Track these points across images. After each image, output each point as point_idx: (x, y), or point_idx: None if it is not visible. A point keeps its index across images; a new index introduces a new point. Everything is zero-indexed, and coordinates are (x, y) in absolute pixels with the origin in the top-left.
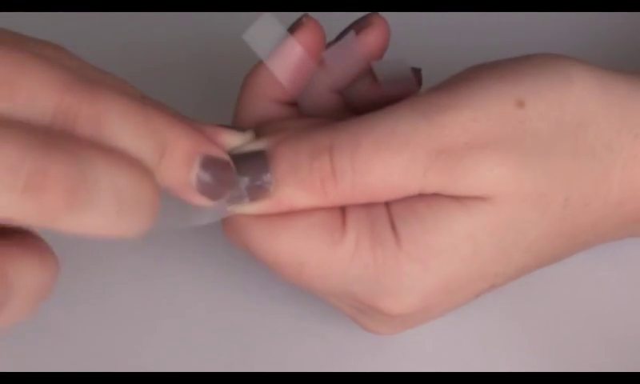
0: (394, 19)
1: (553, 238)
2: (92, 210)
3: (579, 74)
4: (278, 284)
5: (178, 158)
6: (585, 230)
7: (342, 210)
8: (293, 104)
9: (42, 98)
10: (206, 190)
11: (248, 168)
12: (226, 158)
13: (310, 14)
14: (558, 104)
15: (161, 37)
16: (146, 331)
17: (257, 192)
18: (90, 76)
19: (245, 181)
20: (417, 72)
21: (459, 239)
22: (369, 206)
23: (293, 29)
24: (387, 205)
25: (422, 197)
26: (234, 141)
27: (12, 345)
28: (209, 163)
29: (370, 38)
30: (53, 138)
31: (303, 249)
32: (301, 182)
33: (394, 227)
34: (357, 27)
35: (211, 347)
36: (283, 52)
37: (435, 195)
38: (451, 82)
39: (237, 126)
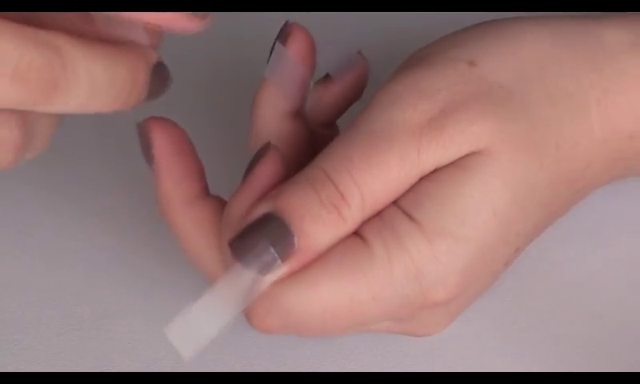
0: (394, 19)
1: (556, 184)
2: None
3: (529, 24)
4: None
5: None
6: (581, 173)
7: (355, 231)
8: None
9: None
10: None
11: (271, 235)
12: None
13: (313, 13)
14: (511, 55)
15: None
16: (144, 330)
17: (285, 250)
18: None
19: (273, 248)
20: (360, 54)
21: (475, 200)
22: (379, 212)
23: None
24: (396, 203)
25: (423, 179)
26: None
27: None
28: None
29: (296, 45)
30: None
31: (344, 284)
32: (318, 218)
33: (411, 218)
34: (281, 40)
35: (210, 347)
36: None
37: (435, 171)
38: (403, 68)
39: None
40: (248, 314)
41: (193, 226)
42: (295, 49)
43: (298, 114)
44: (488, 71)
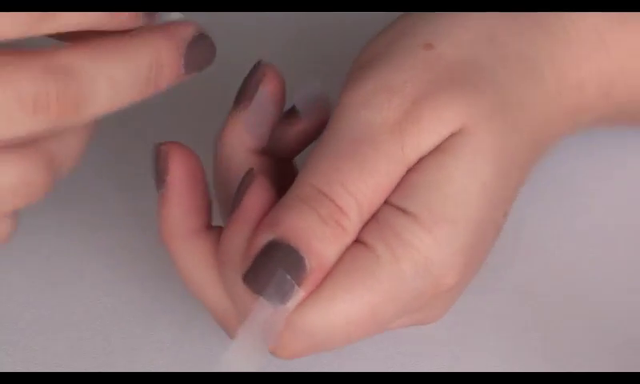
0: (392, 19)
1: (527, 143)
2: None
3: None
4: None
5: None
6: (545, 129)
7: (356, 238)
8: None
9: None
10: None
11: (283, 262)
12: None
13: (310, 13)
14: (461, 28)
15: None
16: (140, 330)
17: (299, 274)
18: None
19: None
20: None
21: (464, 180)
22: (374, 214)
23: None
24: (387, 201)
25: (410, 171)
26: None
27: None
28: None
29: (269, 87)
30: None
31: (359, 292)
32: (323, 235)
33: (405, 212)
34: (258, 81)
35: (210, 346)
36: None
37: (419, 160)
38: (361, 66)
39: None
40: (273, 348)
41: (194, 258)
42: (269, 90)
43: (263, 150)
44: (445, 50)
